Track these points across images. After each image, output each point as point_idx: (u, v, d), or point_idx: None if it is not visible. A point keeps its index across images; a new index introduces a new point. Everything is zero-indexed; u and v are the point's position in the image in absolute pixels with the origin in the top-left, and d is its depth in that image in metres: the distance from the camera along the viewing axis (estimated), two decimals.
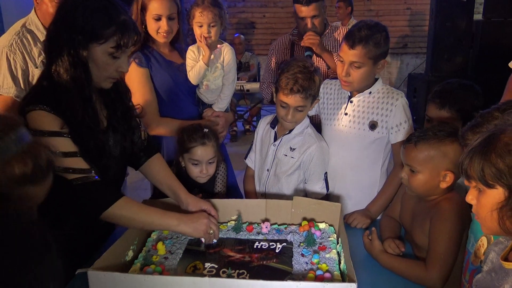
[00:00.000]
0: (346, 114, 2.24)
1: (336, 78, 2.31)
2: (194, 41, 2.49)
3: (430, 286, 1.64)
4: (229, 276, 1.59)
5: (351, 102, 2.23)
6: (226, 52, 2.49)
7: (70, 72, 1.62)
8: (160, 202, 2.00)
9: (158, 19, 2.31)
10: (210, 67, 2.46)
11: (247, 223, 1.99)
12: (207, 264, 1.70)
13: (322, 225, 1.94)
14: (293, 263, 1.70)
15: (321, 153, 2.23)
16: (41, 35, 2.53)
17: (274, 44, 3.11)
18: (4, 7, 5.02)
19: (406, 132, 2.13)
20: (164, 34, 2.34)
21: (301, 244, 1.83)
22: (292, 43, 3.03)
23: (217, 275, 1.63)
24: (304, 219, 1.99)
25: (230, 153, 2.76)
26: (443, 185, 1.74)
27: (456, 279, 1.64)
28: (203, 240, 1.81)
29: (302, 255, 1.75)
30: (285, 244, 1.84)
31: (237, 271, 1.65)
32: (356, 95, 2.22)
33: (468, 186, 1.23)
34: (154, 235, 1.91)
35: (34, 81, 2.45)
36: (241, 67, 7.22)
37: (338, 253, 1.74)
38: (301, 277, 1.59)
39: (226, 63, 2.50)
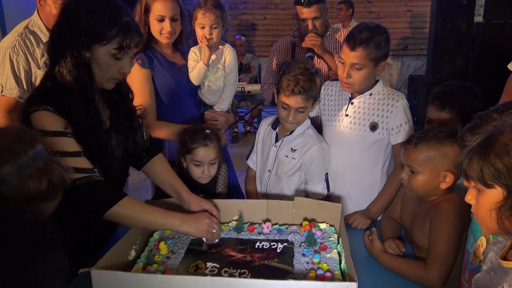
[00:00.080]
0: (347, 115, 2.25)
1: (337, 79, 2.33)
2: (195, 43, 2.51)
3: (430, 286, 1.66)
4: (231, 275, 1.61)
5: (352, 103, 2.25)
6: (228, 53, 2.51)
7: (73, 73, 1.63)
8: (162, 202, 2.01)
9: (162, 20, 2.33)
10: (211, 68, 2.48)
11: (249, 223, 2.01)
12: (209, 264, 1.71)
13: (323, 226, 1.95)
14: (294, 262, 1.71)
15: (322, 154, 2.24)
16: (44, 36, 2.55)
17: (275, 45, 3.12)
18: (6, 8, 5.03)
19: (406, 133, 2.14)
20: (167, 35, 2.36)
21: (302, 244, 1.84)
22: (293, 45, 3.05)
23: (219, 274, 1.64)
24: (305, 219, 2.01)
25: (231, 154, 2.77)
26: (443, 185, 1.75)
27: (456, 279, 1.66)
28: (205, 240, 1.82)
29: (303, 255, 1.76)
30: (286, 244, 1.85)
31: (239, 270, 1.66)
32: (357, 97, 2.24)
33: (467, 187, 1.25)
34: (156, 235, 1.93)
35: (37, 82, 2.48)
36: (242, 69, 7.23)
37: (339, 253, 1.75)
38: (302, 276, 1.60)
39: (228, 64, 2.52)
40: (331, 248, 1.79)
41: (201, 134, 2.17)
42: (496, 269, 1.23)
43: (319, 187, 2.27)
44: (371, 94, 2.21)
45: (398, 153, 2.10)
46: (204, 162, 2.17)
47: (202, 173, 2.18)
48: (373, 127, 2.19)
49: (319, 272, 1.60)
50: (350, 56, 2.09)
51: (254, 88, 6.48)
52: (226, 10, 2.44)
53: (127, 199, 1.69)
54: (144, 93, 2.31)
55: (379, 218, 2.23)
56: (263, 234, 1.93)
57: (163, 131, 2.39)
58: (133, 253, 1.77)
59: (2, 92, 2.46)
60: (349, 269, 1.51)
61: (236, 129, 7.03)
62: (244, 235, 1.93)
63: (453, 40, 6.29)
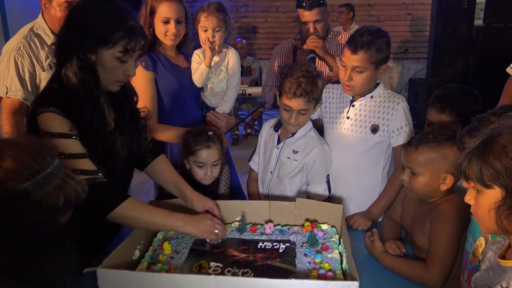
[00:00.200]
0: (348, 117, 2.27)
1: (338, 82, 2.35)
2: (198, 46, 2.54)
3: (430, 286, 1.67)
4: (234, 274, 1.63)
5: (353, 106, 2.27)
6: (231, 56, 2.54)
7: (79, 75, 1.66)
8: (165, 203, 2.03)
9: (167, 22, 2.35)
10: (214, 70, 2.51)
11: (251, 223, 2.03)
12: (212, 264, 1.74)
13: (324, 226, 1.97)
14: (296, 262, 1.74)
15: (324, 156, 2.27)
16: (48, 39, 2.57)
17: (277, 48, 3.15)
18: (9, 10, 5.06)
19: (407, 135, 2.16)
20: (172, 37, 2.38)
21: (304, 244, 1.86)
22: (294, 47, 3.08)
23: (222, 274, 1.66)
24: (307, 220, 2.03)
25: (232, 156, 2.80)
26: (443, 187, 1.77)
27: (455, 279, 1.68)
28: (207, 240, 1.85)
29: (305, 255, 1.78)
30: (288, 244, 1.87)
31: (242, 270, 1.68)
32: (358, 99, 2.26)
33: (467, 188, 1.27)
34: (160, 235, 1.95)
35: (41, 84, 2.52)
36: (243, 72, 7.25)
37: (340, 254, 1.78)
38: (304, 276, 1.62)
39: (231, 66, 2.54)
40: (332, 248, 1.81)
41: (204, 136, 2.19)
42: (495, 268, 1.25)
43: (321, 189, 2.29)
44: (372, 96, 2.24)
45: (399, 155, 2.11)
46: (207, 164, 2.19)
47: (205, 175, 2.20)
48: (374, 129, 2.21)
49: (321, 271, 1.63)
50: (352, 59, 2.12)
51: (255, 90, 6.50)
52: (229, 14, 2.47)
53: (130, 200, 1.71)
54: (147, 96, 2.33)
55: (379, 219, 2.25)
56: (266, 235, 1.96)
57: (166, 134, 2.41)
58: (137, 253, 1.79)
59: (6, 94, 2.48)
60: (351, 269, 1.53)
61: (237, 132, 7.04)
62: (247, 236, 1.95)
63: (453, 43, 6.32)
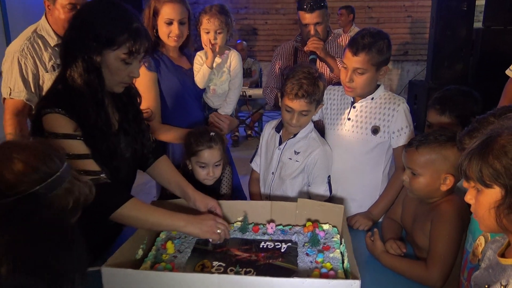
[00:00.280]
0: (349, 119, 2.29)
1: (339, 83, 2.37)
2: (200, 47, 2.56)
3: (430, 285, 1.69)
4: (237, 273, 1.64)
5: (354, 107, 2.29)
6: (233, 58, 2.56)
7: (84, 76, 1.68)
8: (168, 203, 2.05)
9: (170, 23, 2.37)
10: (217, 71, 2.53)
11: (253, 223, 2.05)
12: (215, 263, 1.75)
13: (326, 226, 1.99)
14: (298, 262, 1.75)
15: (325, 156, 2.28)
16: (52, 40, 2.60)
17: (277, 50, 3.17)
18: (10, 11, 5.07)
19: (407, 136, 2.18)
20: (175, 38, 2.40)
21: (306, 244, 1.88)
22: (295, 49, 3.10)
23: (225, 273, 1.68)
24: (308, 220, 2.04)
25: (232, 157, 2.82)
26: (444, 187, 1.79)
27: (455, 278, 1.70)
28: (210, 240, 1.86)
29: (307, 254, 1.80)
30: (290, 244, 1.89)
31: (244, 269, 1.70)
32: (359, 101, 2.28)
33: (467, 189, 1.29)
34: (163, 235, 1.97)
35: (44, 85, 2.54)
36: (244, 73, 7.24)
37: (342, 253, 1.79)
38: (306, 275, 1.64)
39: (233, 68, 2.57)
40: (334, 248, 1.83)
41: (206, 137, 2.21)
42: (494, 266, 1.27)
43: (322, 189, 2.31)
44: (372, 98, 2.26)
45: (399, 156, 2.12)
46: (209, 164, 2.21)
47: (207, 175, 2.22)
48: (375, 130, 2.23)
49: (323, 270, 1.65)
50: (353, 60, 2.14)
51: (256, 92, 6.51)
52: (231, 16, 2.49)
53: (133, 200, 1.72)
54: (150, 96, 2.35)
55: (380, 219, 2.27)
56: (268, 235, 1.97)
57: (168, 135, 2.43)
58: (140, 252, 1.80)
59: (10, 94, 2.51)
60: (352, 268, 1.55)
61: (237, 133, 7.05)
62: (249, 235, 1.97)
63: (453, 45, 6.33)
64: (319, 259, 1.74)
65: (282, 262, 1.75)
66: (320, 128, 2.48)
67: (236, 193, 2.56)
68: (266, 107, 7.11)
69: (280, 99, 2.27)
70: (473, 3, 6.30)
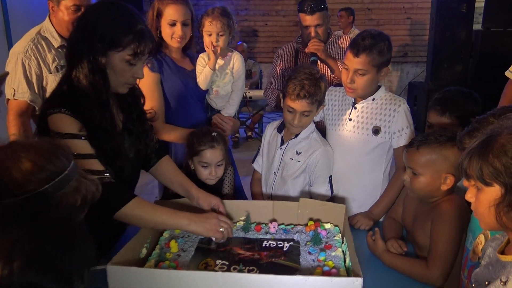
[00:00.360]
0: (350, 119, 2.31)
1: (340, 84, 2.39)
2: (202, 49, 2.58)
3: (431, 283, 1.71)
4: (240, 271, 1.66)
5: (355, 108, 2.31)
6: (236, 60, 2.59)
7: (89, 77, 1.70)
8: (171, 203, 2.07)
9: (173, 24, 2.39)
10: (220, 73, 2.56)
11: (255, 223, 2.07)
12: (218, 261, 1.77)
13: (327, 225, 2.01)
14: (300, 260, 1.77)
15: (326, 157, 2.30)
16: (55, 42, 2.62)
17: (278, 51, 3.19)
18: (11, 12, 5.09)
19: (408, 137, 2.20)
20: (178, 39, 2.42)
21: (308, 243, 1.90)
22: (296, 51, 3.12)
23: (228, 271, 1.69)
24: (310, 219, 2.06)
25: None
26: (444, 187, 1.82)
27: (456, 276, 1.71)
28: (213, 239, 1.88)
29: (309, 253, 1.82)
30: (292, 243, 1.91)
31: (248, 267, 1.71)
32: (360, 102, 2.30)
33: (467, 188, 1.31)
34: (166, 234, 1.99)
35: (48, 86, 2.56)
36: None
37: (343, 252, 1.81)
38: (309, 273, 1.66)
39: (236, 70, 2.59)
40: (336, 246, 1.85)
41: (208, 137, 2.24)
42: (494, 264, 1.29)
43: (323, 189, 2.32)
44: (373, 99, 2.28)
45: (400, 156, 2.14)
46: (211, 164, 2.23)
47: (209, 174, 2.24)
48: (376, 131, 2.25)
49: (325, 268, 1.67)
50: (354, 62, 2.16)
51: (256, 94, 6.52)
52: (233, 18, 2.52)
53: (137, 200, 1.74)
54: (153, 97, 2.37)
55: (381, 219, 2.30)
56: (270, 234, 1.99)
57: (172, 135, 2.45)
58: (144, 251, 1.82)
59: (14, 95, 2.53)
60: (354, 266, 1.57)
61: (237, 134, 7.07)
62: (251, 235, 1.99)
63: (452, 47, 6.35)
64: (321, 258, 1.76)
65: (284, 261, 1.77)
66: (321, 129, 2.51)
67: (237, 194, 2.58)
68: (266, 108, 7.13)
69: (282, 100, 2.29)
70: (473, 5, 6.32)
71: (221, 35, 2.48)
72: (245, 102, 6.84)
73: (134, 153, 1.95)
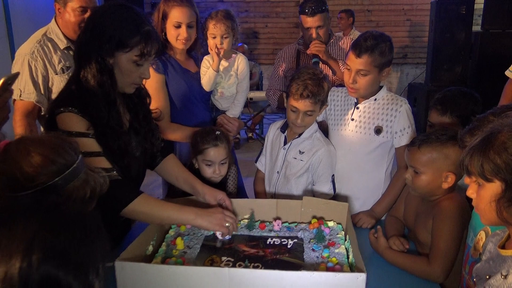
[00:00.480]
0: (352, 119, 2.34)
1: (342, 85, 2.42)
2: (207, 51, 2.62)
3: (433, 280, 1.74)
4: (246, 268, 1.69)
5: (358, 108, 2.34)
6: (240, 62, 2.63)
7: (97, 77, 1.74)
8: (176, 201, 2.09)
9: (178, 26, 2.42)
10: (225, 75, 2.60)
11: (259, 221, 2.09)
12: (224, 258, 1.80)
13: (330, 223, 2.03)
14: (304, 257, 1.80)
15: (329, 156, 2.33)
16: (61, 43, 2.65)
17: (280, 53, 3.23)
18: (13, 15, 5.12)
19: (409, 136, 2.23)
20: (183, 41, 2.45)
21: (311, 240, 1.93)
22: (298, 52, 3.15)
23: (233, 267, 1.71)
24: (314, 217, 2.09)
25: None
26: (445, 185, 1.84)
27: (457, 273, 1.75)
28: (219, 236, 1.91)
29: (313, 250, 1.84)
30: (296, 240, 1.93)
31: (252, 264, 1.74)
32: (362, 102, 2.34)
33: (467, 186, 1.35)
34: (172, 232, 2.02)
35: (53, 87, 2.59)
36: None
37: (346, 249, 1.84)
38: (313, 269, 1.69)
39: (240, 71, 2.63)
40: (339, 244, 1.88)
41: (211, 135, 2.27)
42: (495, 258, 1.32)
43: (326, 188, 2.35)
44: (375, 99, 2.31)
45: (402, 155, 2.17)
46: (215, 162, 2.27)
47: (213, 173, 2.27)
48: (378, 130, 2.28)
49: (329, 265, 1.70)
50: (356, 62, 2.19)
51: (257, 95, 6.55)
52: (236, 21, 2.56)
53: (143, 196, 1.78)
54: (159, 97, 2.40)
55: (383, 218, 2.33)
56: (274, 231, 2.02)
57: (177, 134, 2.49)
58: (150, 248, 1.85)
59: (20, 96, 2.56)
60: (358, 262, 1.60)
61: (238, 136, 7.09)
62: (256, 232, 2.02)
63: (452, 49, 6.38)
64: (325, 254, 1.79)
65: (289, 258, 1.80)
66: (324, 129, 2.53)
67: (239, 194, 2.61)
68: (267, 109, 7.16)
69: (285, 100, 2.32)
70: (472, 7, 6.35)
71: (225, 38, 2.52)
72: (246, 103, 6.87)
73: (141, 152, 1.98)
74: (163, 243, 1.92)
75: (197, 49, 2.63)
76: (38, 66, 2.57)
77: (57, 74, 2.62)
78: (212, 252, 1.86)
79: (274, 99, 3.14)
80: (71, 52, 2.64)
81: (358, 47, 2.18)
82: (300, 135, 2.34)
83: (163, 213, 1.82)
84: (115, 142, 1.81)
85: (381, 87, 2.33)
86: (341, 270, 1.66)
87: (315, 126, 2.36)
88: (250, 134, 7.46)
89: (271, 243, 1.92)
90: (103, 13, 1.76)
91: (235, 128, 2.66)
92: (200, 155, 2.28)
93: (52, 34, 2.66)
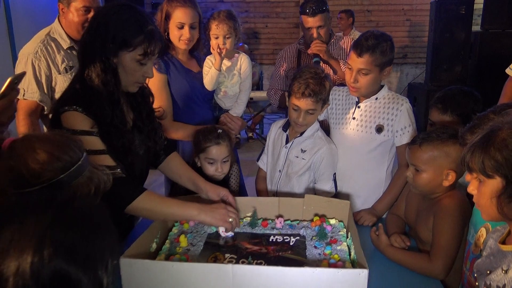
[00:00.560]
0: (354, 118, 2.37)
1: (343, 84, 2.44)
2: (209, 52, 2.64)
3: (434, 276, 1.76)
4: (249, 264, 1.71)
5: (359, 107, 2.36)
6: (243, 61, 2.65)
7: (101, 76, 1.75)
8: (179, 198, 2.11)
9: (181, 27, 2.44)
10: (228, 74, 2.62)
11: (262, 219, 2.11)
12: (227, 255, 1.82)
13: (332, 221, 2.05)
14: (307, 254, 1.82)
15: (331, 154, 2.36)
16: (64, 43, 2.67)
17: (281, 52, 3.24)
18: (14, 15, 5.13)
19: (410, 135, 2.25)
20: (186, 42, 2.47)
21: (314, 237, 1.94)
22: (299, 52, 3.17)
23: (237, 264, 1.73)
24: (316, 215, 2.10)
25: None
26: (446, 183, 1.86)
27: (458, 270, 1.76)
28: (222, 234, 1.93)
29: (315, 247, 1.86)
30: (298, 237, 1.95)
31: (256, 261, 1.76)
32: (363, 101, 2.36)
33: (467, 184, 1.37)
34: (175, 230, 2.03)
35: (57, 87, 2.61)
36: None
37: (348, 246, 1.86)
38: (316, 265, 1.69)
39: (243, 71, 2.65)
40: (341, 241, 1.89)
41: (213, 134, 2.29)
42: (495, 254, 1.34)
43: (328, 186, 2.37)
44: (376, 98, 2.33)
45: (403, 153, 2.19)
46: (217, 160, 2.28)
47: (215, 171, 2.29)
48: (379, 129, 2.30)
49: (331, 261, 1.72)
50: (357, 62, 2.21)
51: (257, 95, 6.57)
52: (238, 21, 2.58)
53: (147, 193, 1.79)
54: (161, 97, 2.42)
55: (384, 215, 2.34)
56: (276, 229, 2.03)
57: (180, 133, 2.50)
58: (154, 246, 1.86)
59: (24, 95, 2.57)
60: (360, 258, 1.61)
61: (238, 135, 7.11)
62: (258, 230, 2.03)
63: (452, 48, 6.38)
64: (327, 251, 1.80)
65: (291, 254, 1.82)
66: (325, 128, 2.55)
67: (240, 193, 2.62)
68: (267, 109, 7.17)
69: (287, 99, 2.34)
70: (472, 7, 6.36)
71: (227, 38, 2.54)
72: (247, 103, 6.87)
73: (144, 150, 2.00)
74: (167, 241, 1.94)
75: (199, 49, 2.64)
76: (41, 65, 2.59)
77: (60, 74, 2.63)
78: (215, 250, 1.87)
79: (275, 98, 3.15)
80: (74, 52, 2.66)
81: (359, 47, 2.20)
82: (302, 134, 2.36)
83: (166, 210, 1.84)
84: (119, 140, 1.82)
85: (382, 86, 2.35)
86: (343, 266, 1.68)
87: (316, 125, 2.38)
88: (250, 134, 7.47)
89: (274, 240, 1.94)
90: (107, 13, 1.78)
91: (238, 127, 2.68)
92: (202, 153, 2.30)
93: (55, 34, 2.68)
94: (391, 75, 8.62)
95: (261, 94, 6.31)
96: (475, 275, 1.41)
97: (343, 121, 2.41)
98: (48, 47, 2.62)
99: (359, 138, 2.35)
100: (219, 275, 1.54)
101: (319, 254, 1.81)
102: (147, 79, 1.93)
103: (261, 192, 2.57)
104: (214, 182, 2.28)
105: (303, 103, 2.22)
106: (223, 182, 2.38)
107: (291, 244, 1.90)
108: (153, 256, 1.81)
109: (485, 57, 6.23)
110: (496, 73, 3.27)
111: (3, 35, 4.82)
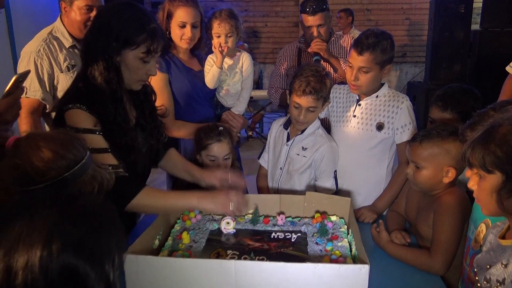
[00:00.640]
0: (354, 116, 2.38)
1: (343, 82, 2.46)
2: (210, 50, 2.65)
3: (434, 272, 1.78)
4: (251, 260, 1.72)
5: (359, 105, 2.38)
6: (245, 59, 2.67)
7: (104, 75, 1.77)
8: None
9: (183, 26, 2.46)
10: (230, 73, 2.63)
11: (263, 216, 2.12)
12: (229, 251, 1.83)
13: (333, 218, 2.06)
14: (308, 250, 1.83)
15: (331, 152, 2.37)
16: (67, 42, 2.68)
17: (282, 51, 3.26)
18: (14, 15, 5.14)
19: (410, 132, 2.27)
20: (188, 41, 2.49)
21: (315, 234, 1.96)
22: (299, 50, 3.18)
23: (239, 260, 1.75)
24: (317, 212, 2.12)
25: None
26: (446, 180, 1.87)
27: (458, 266, 1.78)
28: (224, 231, 1.95)
29: (316, 243, 1.88)
30: (299, 234, 1.96)
31: (258, 257, 1.78)
32: (364, 99, 2.37)
33: (467, 180, 1.38)
34: (177, 226, 2.04)
35: (59, 85, 2.62)
36: None
37: (349, 243, 1.87)
38: (317, 261, 1.70)
39: (245, 69, 2.67)
40: (342, 237, 1.91)
41: (215, 131, 2.31)
42: (495, 249, 1.36)
43: (328, 184, 2.39)
44: (377, 96, 2.35)
45: (403, 151, 2.21)
46: (218, 157, 2.30)
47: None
48: (380, 127, 2.32)
49: (333, 257, 1.73)
50: (358, 60, 2.23)
51: (257, 94, 6.58)
52: (240, 20, 2.59)
53: (146, 190, 1.80)
54: (163, 96, 2.43)
55: (384, 213, 2.36)
56: (278, 226, 2.04)
57: (182, 131, 2.52)
58: (156, 243, 1.88)
59: (26, 94, 2.57)
60: (361, 254, 1.63)
61: (238, 134, 7.09)
62: (260, 227, 2.05)
63: (451, 47, 6.38)
64: (328, 248, 1.82)
65: (293, 251, 1.83)
66: (326, 126, 2.56)
67: None
68: (266, 108, 7.19)
69: (288, 97, 2.35)
70: (471, 5, 6.36)
71: (229, 37, 2.55)
72: None
73: (147, 148, 2.02)
74: (169, 237, 1.95)
75: (201, 48, 2.66)
76: (43, 64, 2.60)
77: (62, 72, 2.64)
78: (218, 246, 1.89)
79: (276, 97, 3.17)
80: (76, 51, 2.67)
81: (360, 45, 2.22)
82: (303, 131, 2.38)
83: (167, 203, 1.86)
84: (122, 138, 1.84)
85: (382, 84, 2.36)
86: (344, 262, 1.70)
87: (317, 123, 2.40)
88: (250, 133, 7.48)
89: (275, 237, 1.95)
90: (109, 12, 1.79)
91: (240, 125, 2.69)
92: (204, 150, 2.32)
93: (57, 32, 2.69)
94: (391, 73, 8.61)
95: (261, 93, 6.32)
96: (475, 270, 1.43)
97: (343, 119, 2.42)
98: (51, 45, 2.63)
99: (360, 135, 2.36)
100: (221, 271, 1.55)
101: (321, 250, 1.83)
102: (150, 77, 1.94)
103: (263, 189, 2.59)
104: None
105: (304, 101, 2.24)
106: None
107: (292, 240, 1.92)
108: (155, 252, 1.83)
109: (484, 56, 6.23)
110: (495, 71, 3.27)
111: (3, 35, 4.83)
